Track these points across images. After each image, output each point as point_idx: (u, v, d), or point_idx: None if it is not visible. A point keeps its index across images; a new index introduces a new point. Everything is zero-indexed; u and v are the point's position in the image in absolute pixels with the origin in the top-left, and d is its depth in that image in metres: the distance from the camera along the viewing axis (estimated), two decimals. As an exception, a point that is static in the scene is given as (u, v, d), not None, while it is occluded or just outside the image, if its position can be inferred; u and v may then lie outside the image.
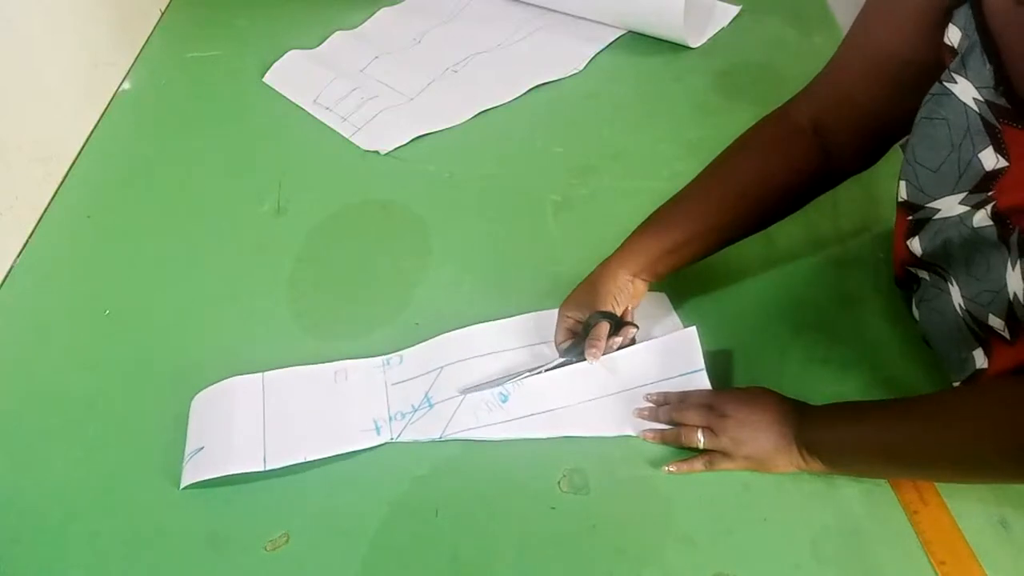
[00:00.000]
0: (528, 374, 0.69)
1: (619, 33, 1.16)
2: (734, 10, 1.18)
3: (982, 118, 0.55)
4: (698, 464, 0.64)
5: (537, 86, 1.08)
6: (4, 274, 0.84)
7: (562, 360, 0.69)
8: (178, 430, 0.68)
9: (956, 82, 0.56)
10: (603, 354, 0.67)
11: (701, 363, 0.68)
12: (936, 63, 0.59)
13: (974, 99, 0.55)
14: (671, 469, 0.64)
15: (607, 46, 1.14)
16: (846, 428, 0.60)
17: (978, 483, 0.61)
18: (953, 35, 0.56)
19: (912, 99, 0.62)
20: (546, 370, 0.69)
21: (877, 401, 0.62)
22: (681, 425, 0.65)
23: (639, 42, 1.15)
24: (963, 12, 0.55)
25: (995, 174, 0.55)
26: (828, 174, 0.71)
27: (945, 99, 0.57)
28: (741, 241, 0.72)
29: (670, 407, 0.66)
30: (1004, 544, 0.59)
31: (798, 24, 1.15)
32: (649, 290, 0.74)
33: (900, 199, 0.65)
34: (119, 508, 0.64)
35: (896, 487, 0.62)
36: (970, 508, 0.61)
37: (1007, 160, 0.54)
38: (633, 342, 0.70)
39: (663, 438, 0.66)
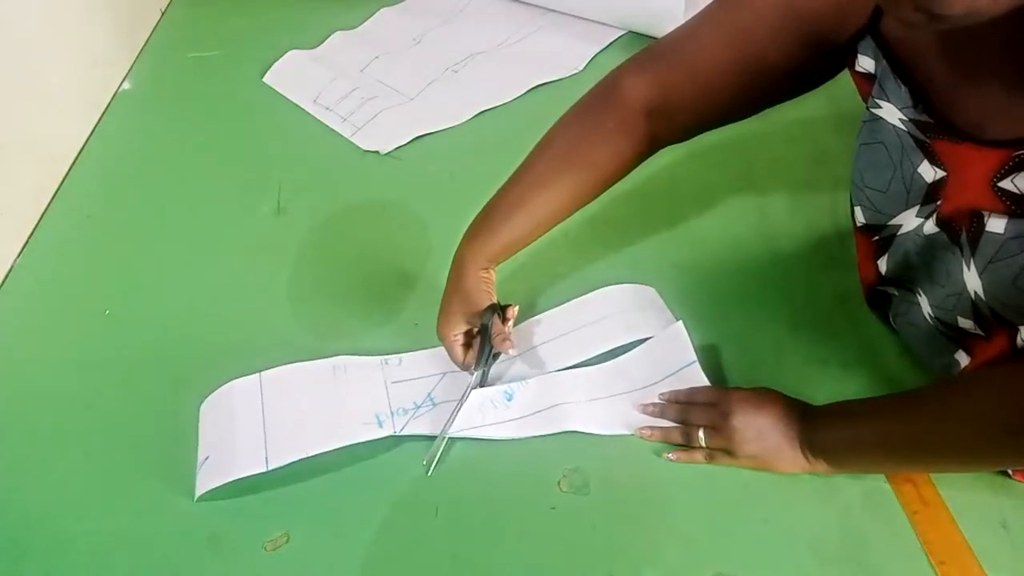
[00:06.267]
0: (458, 405, 0.67)
1: (619, 33, 1.16)
2: (734, 10, 1.18)
3: (911, 135, 0.57)
4: (699, 455, 0.64)
5: (537, 86, 1.08)
6: (4, 274, 0.84)
7: (479, 374, 0.68)
8: (178, 430, 0.68)
9: (881, 107, 0.59)
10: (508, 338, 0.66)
11: (693, 356, 0.69)
12: (800, 76, 0.63)
13: (900, 119, 0.57)
14: (671, 457, 0.64)
15: (607, 46, 1.14)
16: (850, 427, 0.60)
17: (985, 470, 0.61)
18: (866, 63, 0.59)
19: (767, 102, 0.66)
20: (472, 390, 0.68)
21: (878, 398, 0.62)
22: (685, 423, 0.65)
23: (639, 42, 1.15)
24: (867, 42, 0.58)
25: (937, 184, 0.57)
26: (651, 152, 0.71)
27: (876, 124, 0.60)
28: (741, 242, 0.72)
29: (678, 407, 0.67)
30: (1004, 544, 0.59)
31: (798, 24, 1.15)
32: (637, 284, 0.77)
33: (859, 224, 0.66)
34: (119, 508, 0.64)
35: (896, 487, 0.62)
36: (970, 508, 0.61)
37: (944, 171, 0.56)
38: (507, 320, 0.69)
39: (665, 437, 0.66)
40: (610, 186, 0.71)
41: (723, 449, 0.63)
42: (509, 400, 0.68)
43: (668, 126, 0.69)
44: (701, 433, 0.64)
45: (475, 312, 0.67)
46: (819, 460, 0.61)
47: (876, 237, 0.65)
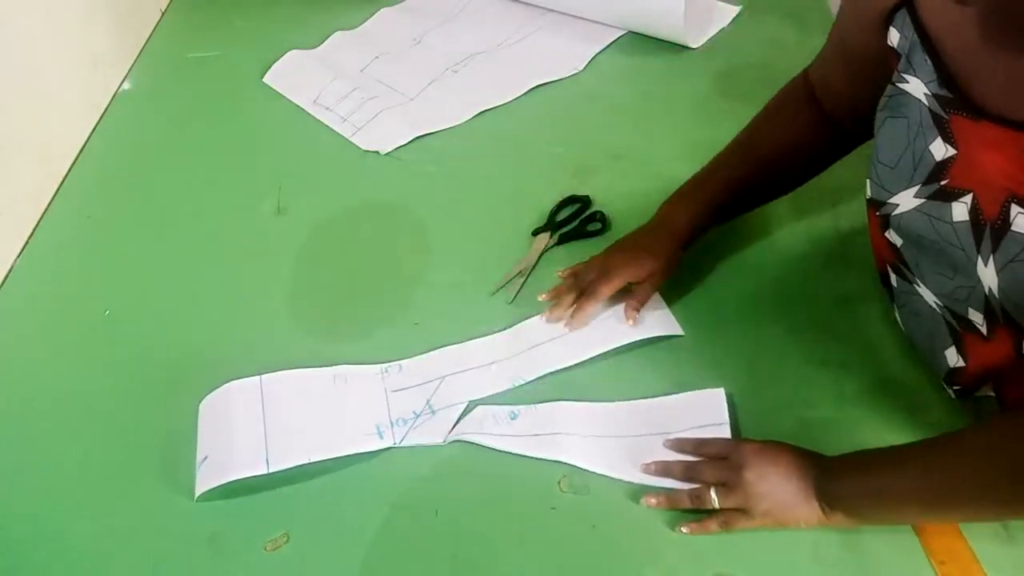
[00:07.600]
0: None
1: (619, 33, 1.16)
2: (734, 10, 1.18)
3: (931, 111, 0.56)
4: (713, 525, 0.60)
5: (537, 86, 1.08)
6: (4, 274, 0.84)
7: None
8: (177, 430, 0.68)
9: (907, 81, 0.58)
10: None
11: (725, 418, 0.66)
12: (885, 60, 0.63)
13: (924, 94, 0.57)
14: (684, 530, 0.60)
15: (607, 46, 1.14)
16: (870, 477, 0.57)
17: (1019, 519, 0.59)
18: (893, 37, 0.59)
19: (872, 88, 0.65)
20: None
21: (897, 447, 0.58)
22: (694, 483, 0.62)
23: (639, 42, 1.15)
24: (901, 15, 0.58)
25: (945, 163, 0.56)
26: (838, 141, 0.74)
27: (901, 98, 0.59)
28: (741, 242, 0.72)
29: (684, 464, 0.63)
30: (1004, 544, 0.59)
31: (798, 24, 1.15)
32: None
33: (867, 197, 0.66)
34: (119, 508, 0.64)
35: (896, 487, 0.62)
36: (970, 508, 0.60)
37: (955, 148, 0.55)
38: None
39: (672, 503, 0.62)
40: (806, 165, 0.76)
41: (738, 508, 0.59)
42: (512, 420, 0.68)
43: (827, 108, 0.73)
44: (713, 493, 0.60)
45: (654, 277, 0.72)
46: (836, 512, 0.57)
47: (878, 213, 0.64)
